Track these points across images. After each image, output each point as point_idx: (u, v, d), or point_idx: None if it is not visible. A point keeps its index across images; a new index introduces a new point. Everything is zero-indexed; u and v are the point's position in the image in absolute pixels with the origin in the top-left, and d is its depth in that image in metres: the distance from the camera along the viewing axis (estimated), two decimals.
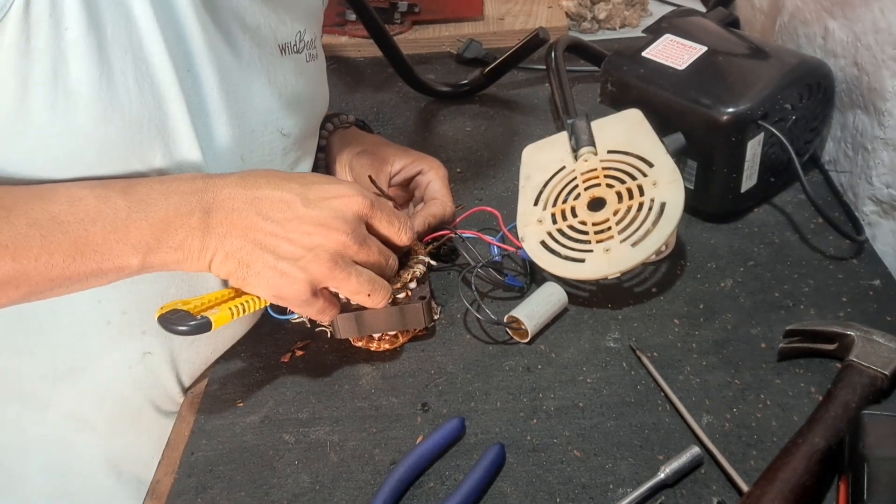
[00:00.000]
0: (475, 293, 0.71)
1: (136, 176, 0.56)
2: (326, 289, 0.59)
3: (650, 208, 0.68)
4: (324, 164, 0.83)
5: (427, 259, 0.68)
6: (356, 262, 0.58)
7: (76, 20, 0.50)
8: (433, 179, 0.78)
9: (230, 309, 0.57)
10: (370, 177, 0.75)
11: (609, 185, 0.71)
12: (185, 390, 0.70)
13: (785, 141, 0.74)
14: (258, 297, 0.58)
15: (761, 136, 0.76)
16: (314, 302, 0.58)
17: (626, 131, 0.75)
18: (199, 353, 0.69)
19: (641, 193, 0.70)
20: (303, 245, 0.55)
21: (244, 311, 0.58)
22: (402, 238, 0.62)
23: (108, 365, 0.66)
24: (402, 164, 0.79)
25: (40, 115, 0.51)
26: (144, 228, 0.53)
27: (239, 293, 0.59)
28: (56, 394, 0.67)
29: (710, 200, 0.79)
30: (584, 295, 0.73)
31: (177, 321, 0.55)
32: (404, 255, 0.70)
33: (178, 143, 0.57)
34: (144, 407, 0.70)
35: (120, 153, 0.55)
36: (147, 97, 0.54)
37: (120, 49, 0.53)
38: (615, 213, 0.69)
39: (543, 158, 0.77)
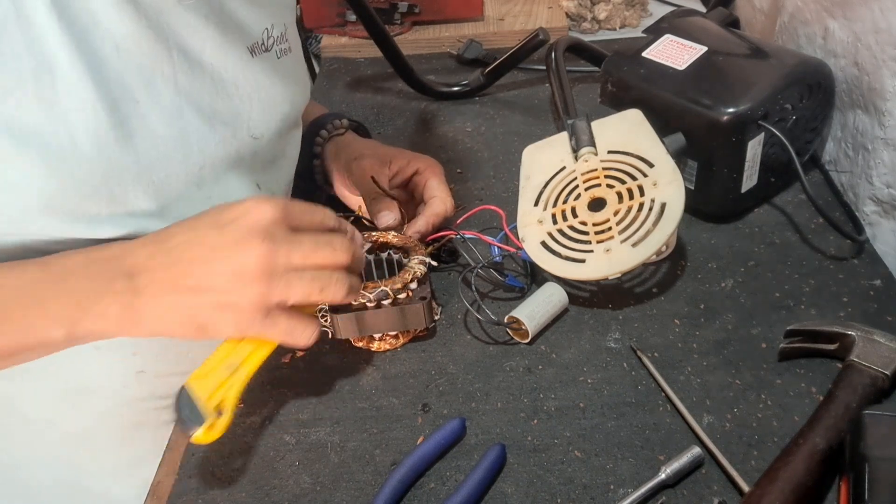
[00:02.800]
0: (476, 294, 0.71)
1: (84, 226, 0.55)
2: (283, 307, 0.55)
3: (650, 208, 0.68)
4: (320, 171, 0.83)
5: (428, 259, 0.68)
6: (295, 267, 0.54)
7: (6, 74, 0.49)
8: (430, 178, 0.78)
9: (234, 402, 0.57)
10: (373, 177, 0.74)
11: (609, 186, 0.71)
12: None
13: (785, 141, 0.74)
14: (248, 354, 0.58)
15: (762, 137, 0.76)
16: (274, 324, 0.55)
17: (626, 132, 0.75)
18: (193, 365, 0.69)
19: (642, 194, 0.70)
20: (231, 272, 0.53)
21: (246, 378, 0.57)
22: (329, 222, 0.58)
23: (102, 385, 0.66)
24: (398, 165, 0.79)
25: None
26: (64, 299, 0.51)
27: (233, 346, 0.58)
28: (56, 415, 0.67)
29: (711, 201, 0.79)
30: (585, 295, 0.73)
31: (189, 423, 0.55)
32: (405, 255, 0.70)
33: (127, 186, 0.56)
34: (144, 422, 0.70)
35: (65, 206, 0.54)
36: (84, 148, 0.53)
37: (46, 103, 0.51)
38: (615, 214, 0.69)
39: (544, 159, 0.77)
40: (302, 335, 0.56)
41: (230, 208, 0.55)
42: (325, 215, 0.58)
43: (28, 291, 0.51)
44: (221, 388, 0.56)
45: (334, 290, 0.56)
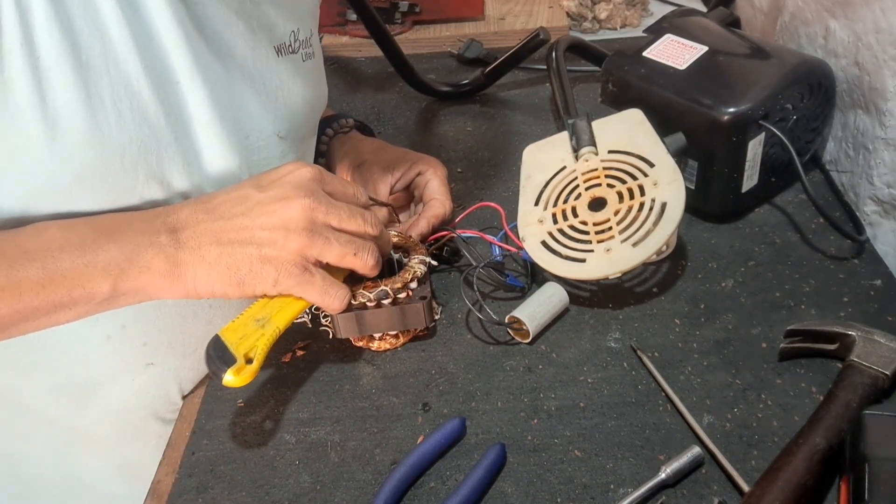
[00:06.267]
0: (476, 293, 0.71)
1: (115, 199, 0.56)
2: (318, 263, 0.58)
3: (651, 208, 0.68)
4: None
5: (428, 259, 0.68)
6: (332, 228, 0.58)
7: (49, 47, 0.50)
8: (431, 179, 0.78)
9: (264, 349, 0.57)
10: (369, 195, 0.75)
11: (610, 185, 0.71)
12: (185, 397, 0.70)
13: (786, 141, 0.74)
14: (278, 310, 0.59)
15: (762, 136, 0.76)
16: (312, 280, 0.57)
17: (626, 131, 0.75)
18: (202, 360, 0.69)
19: (642, 193, 0.70)
20: (274, 225, 0.55)
21: (276, 332, 0.58)
22: (361, 199, 0.62)
23: (110, 378, 0.66)
24: (401, 170, 0.79)
25: (18, 145, 0.50)
26: (113, 250, 0.52)
27: (264, 304, 0.59)
28: (59, 410, 0.67)
29: (711, 200, 0.79)
30: (585, 295, 0.73)
31: (220, 366, 0.56)
32: (405, 255, 0.70)
33: (164, 161, 0.57)
34: (149, 417, 0.70)
35: (103, 177, 0.54)
36: (126, 119, 0.54)
37: (95, 73, 0.52)
38: (616, 213, 0.69)
39: (544, 158, 0.77)
40: (336, 297, 0.60)
41: (269, 172, 0.59)
42: (358, 190, 0.62)
43: (76, 244, 0.52)
44: (251, 338, 0.57)
45: (366, 258, 0.59)
